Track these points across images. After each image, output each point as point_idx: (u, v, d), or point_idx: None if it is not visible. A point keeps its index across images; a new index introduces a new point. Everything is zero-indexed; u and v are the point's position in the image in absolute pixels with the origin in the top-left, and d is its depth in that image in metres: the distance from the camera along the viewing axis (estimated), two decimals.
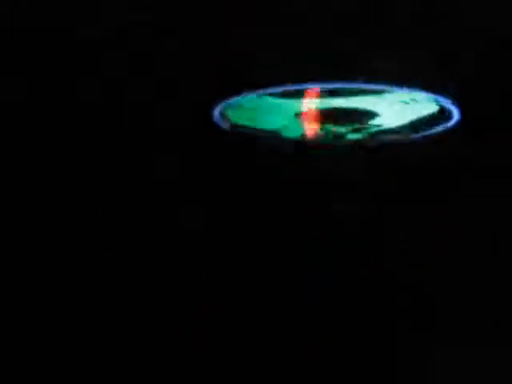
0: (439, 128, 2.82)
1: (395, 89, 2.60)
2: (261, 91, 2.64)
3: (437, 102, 2.69)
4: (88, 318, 3.38)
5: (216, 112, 2.78)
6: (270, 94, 2.65)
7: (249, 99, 2.69)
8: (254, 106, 2.74)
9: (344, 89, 2.58)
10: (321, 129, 2.84)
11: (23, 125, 3.08)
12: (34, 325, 3.36)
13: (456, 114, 2.75)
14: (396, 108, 2.72)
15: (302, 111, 2.77)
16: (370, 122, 2.81)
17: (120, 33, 2.64)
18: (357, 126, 2.82)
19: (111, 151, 3.21)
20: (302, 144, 2.96)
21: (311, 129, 2.85)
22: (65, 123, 3.08)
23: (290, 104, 2.72)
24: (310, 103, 2.70)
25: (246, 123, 2.87)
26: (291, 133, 2.91)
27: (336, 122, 2.79)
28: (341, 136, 2.85)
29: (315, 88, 2.60)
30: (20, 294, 3.37)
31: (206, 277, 3.41)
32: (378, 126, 2.83)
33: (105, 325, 3.38)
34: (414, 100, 2.69)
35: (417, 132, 2.86)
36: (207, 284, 3.41)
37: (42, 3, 2.56)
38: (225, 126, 2.88)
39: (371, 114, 2.76)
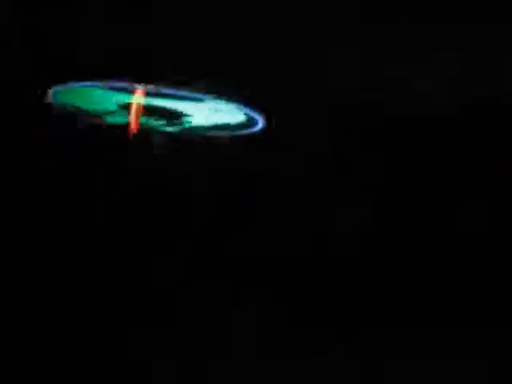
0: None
1: (210, 98, 3.03)
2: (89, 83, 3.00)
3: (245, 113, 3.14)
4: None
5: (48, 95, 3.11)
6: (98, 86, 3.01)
7: (78, 88, 3.04)
8: (82, 93, 3.08)
9: (165, 93, 2.98)
10: (140, 120, 3.21)
11: None
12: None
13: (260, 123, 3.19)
14: (206, 113, 3.15)
15: (125, 103, 3.13)
16: (183, 120, 3.23)
17: None
18: (172, 121, 3.22)
19: None
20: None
21: (133, 118, 3.22)
22: None
23: (115, 96, 3.09)
24: (133, 98, 3.08)
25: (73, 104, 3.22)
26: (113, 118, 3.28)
27: (154, 116, 3.18)
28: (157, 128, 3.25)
29: (140, 87, 2.98)
30: None
31: None
32: (190, 123, 3.25)
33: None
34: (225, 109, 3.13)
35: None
36: None
37: None
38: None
39: (184, 115, 3.18)
